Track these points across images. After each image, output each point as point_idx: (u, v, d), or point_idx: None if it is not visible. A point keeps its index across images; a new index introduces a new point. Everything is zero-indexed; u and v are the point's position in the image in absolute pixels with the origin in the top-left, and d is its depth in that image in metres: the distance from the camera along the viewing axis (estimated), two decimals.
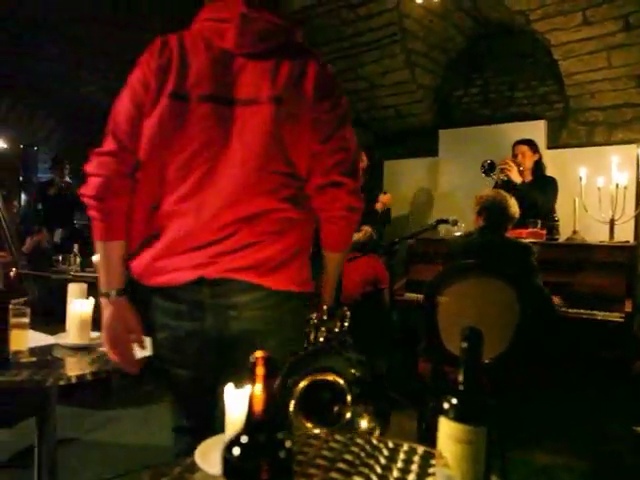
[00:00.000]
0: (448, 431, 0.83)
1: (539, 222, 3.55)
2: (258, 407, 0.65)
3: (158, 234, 1.35)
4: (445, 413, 0.83)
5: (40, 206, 6.51)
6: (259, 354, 0.65)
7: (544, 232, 3.51)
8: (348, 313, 1.36)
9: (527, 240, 3.36)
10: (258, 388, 0.65)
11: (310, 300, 1.44)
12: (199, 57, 1.35)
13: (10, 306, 1.59)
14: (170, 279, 1.34)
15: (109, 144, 1.36)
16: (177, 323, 1.38)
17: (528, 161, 3.93)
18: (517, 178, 3.81)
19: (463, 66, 5.63)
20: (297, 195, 1.38)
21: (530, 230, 3.50)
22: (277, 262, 1.34)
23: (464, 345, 0.82)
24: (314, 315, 1.34)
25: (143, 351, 1.46)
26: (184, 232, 1.33)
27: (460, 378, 0.84)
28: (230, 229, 1.31)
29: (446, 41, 5.37)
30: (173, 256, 1.33)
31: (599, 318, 2.95)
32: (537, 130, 4.70)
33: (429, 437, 2.68)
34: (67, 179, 6.51)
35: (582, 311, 3.02)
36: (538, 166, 3.96)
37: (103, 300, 1.40)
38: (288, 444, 0.65)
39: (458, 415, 0.82)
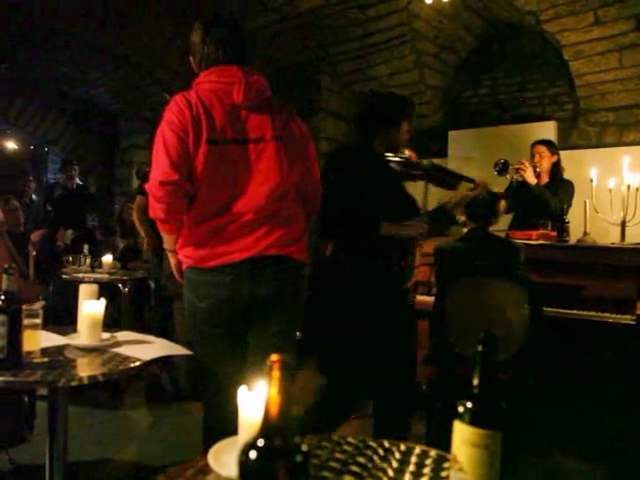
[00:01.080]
0: (463, 435, 0.83)
1: (549, 224, 3.52)
2: (274, 410, 0.64)
3: (212, 233, 1.86)
4: (460, 417, 0.83)
5: (49, 207, 6.55)
6: (275, 357, 0.65)
7: (554, 234, 3.49)
8: None
9: (537, 242, 3.35)
10: (274, 391, 0.65)
11: None
12: (217, 111, 1.87)
13: (23, 307, 1.60)
14: (225, 260, 1.85)
15: (172, 175, 1.81)
16: (220, 291, 1.86)
17: (546, 162, 3.85)
18: (532, 179, 3.75)
19: (473, 67, 5.61)
20: (296, 197, 1.99)
21: (540, 232, 3.47)
22: (293, 239, 1.93)
23: (479, 349, 0.82)
24: None
25: (157, 353, 1.46)
26: (231, 228, 1.86)
27: (475, 382, 0.83)
28: (260, 223, 1.87)
29: (456, 42, 5.36)
30: (226, 244, 1.85)
31: (610, 321, 2.92)
32: (547, 131, 4.67)
33: (438, 440, 2.67)
34: (77, 180, 6.55)
35: (593, 313, 2.99)
36: (556, 168, 3.90)
37: (171, 253, 2.03)
38: (304, 448, 0.65)
39: (473, 419, 0.82)
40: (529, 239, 3.38)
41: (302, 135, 2.01)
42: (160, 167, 1.82)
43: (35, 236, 4.35)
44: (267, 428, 0.65)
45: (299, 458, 0.64)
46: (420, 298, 3.48)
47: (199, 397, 3.56)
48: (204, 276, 1.87)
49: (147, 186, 1.85)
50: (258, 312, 1.89)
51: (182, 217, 1.88)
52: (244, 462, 0.65)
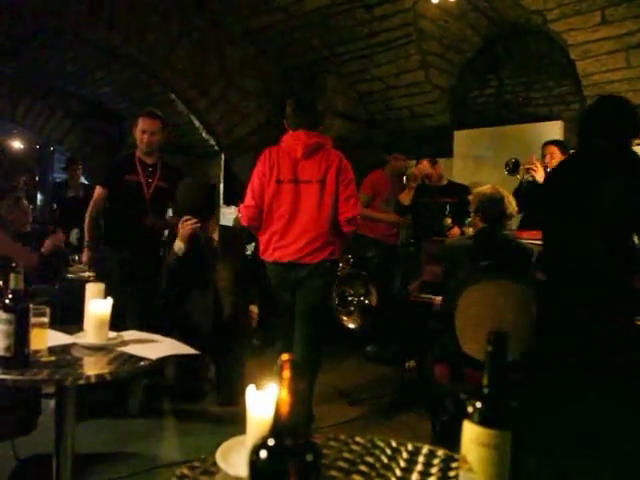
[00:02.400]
0: (472, 435, 0.82)
1: None
2: (285, 410, 0.64)
3: (272, 241, 3.14)
4: (469, 417, 0.82)
5: (55, 206, 6.56)
6: (285, 357, 0.65)
7: None
8: (350, 257, 3.88)
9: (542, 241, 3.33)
10: (285, 391, 0.65)
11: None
12: (284, 162, 3.11)
13: (30, 305, 1.60)
14: (278, 259, 3.13)
15: (250, 201, 3.14)
16: (277, 273, 3.18)
17: (557, 162, 3.84)
18: (542, 179, 3.74)
19: (479, 67, 5.60)
20: (331, 224, 3.10)
21: None
22: (320, 250, 3.10)
23: (489, 349, 0.81)
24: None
25: (164, 352, 1.47)
26: (284, 242, 3.11)
27: (484, 382, 0.83)
28: (300, 239, 3.08)
29: (462, 42, 5.34)
30: (279, 251, 3.12)
31: None
32: (554, 131, 4.66)
33: (443, 438, 2.64)
34: (82, 179, 6.56)
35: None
36: None
37: None
38: (315, 447, 0.65)
39: (483, 419, 0.81)
40: (535, 239, 3.37)
41: (347, 176, 3.13)
42: (247, 196, 3.16)
43: (50, 244, 4.32)
44: (278, 427, 0.65)
45: (310, 457, 0.64)
46: (427, 297, 3.48)
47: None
48: (268, 265, 3.20)
49: (240, 206, 3.46)
50: (300, 284, 3.14)
51: (257, 224, 3.17)
52: (255, 461, 0.65)
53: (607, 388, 2.33)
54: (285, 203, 3.08)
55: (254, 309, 3.59)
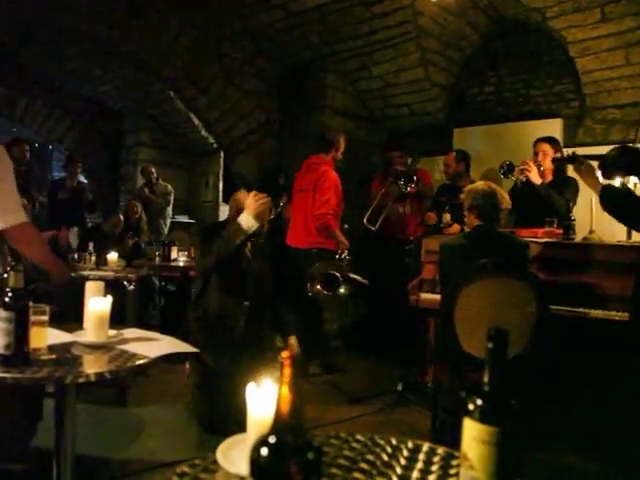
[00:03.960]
0: (473, 433, 0.82)
1: (555, 221, 3.51)
2: (285, 408, 0.64)
3: (292, 233, 4.54)
4: (470, 414, 0.82)
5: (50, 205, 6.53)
6: (286, 354, 0.65)
7: (560, 231, 3.47)
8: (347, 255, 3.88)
9: (542, 240, 3.33)
10: (285, 388, 0.64)
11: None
12: (302, 177, 4.52)
13: (30, 304, 1.60)
14: (296, 245, 4.44)
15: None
16: (297, 257, 4.34)
17: (549, 160, 3.83)
18: (537, 179, 3.72)
19: (478, 64, 5.59)
20: (316, 219, 4.34)
21: (546, 229, 3.46)
22: (320, 241, 4.30)
23: (490, 346, 0.81)
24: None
25: (164, 350, 1.46)
26: (300, 233, 4.43)
27: (485, 379, 0.82)
28: (312, 232, 4.33)
29: (461, 39, 5.34)
30: (296, 240, 4.47)
31: (617, 319, 2.91)
32: (553, 128, 4.65)
33: (444, 436, 2.64)
34: (80, 178, 6.55)
35: (599, 312, 2.99)
36: (559, 166, 3.87)
37: None
38: (317, 445, 0.65)
39: (484, 416, 0.81)
40: (535, 237, 3.37)
41: (323, 185, 4.27)
42: None
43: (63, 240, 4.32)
44: (279, 425, 0.65)
45: (311, 455, 0.64)
46: (425, 296, 3.48)
47: None
48: (291, 249, 4.41)
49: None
50: (307, 265, 3.83)
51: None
52: (255, 459, 0.64)
53: None
54: (297, 205, 4.47)
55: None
